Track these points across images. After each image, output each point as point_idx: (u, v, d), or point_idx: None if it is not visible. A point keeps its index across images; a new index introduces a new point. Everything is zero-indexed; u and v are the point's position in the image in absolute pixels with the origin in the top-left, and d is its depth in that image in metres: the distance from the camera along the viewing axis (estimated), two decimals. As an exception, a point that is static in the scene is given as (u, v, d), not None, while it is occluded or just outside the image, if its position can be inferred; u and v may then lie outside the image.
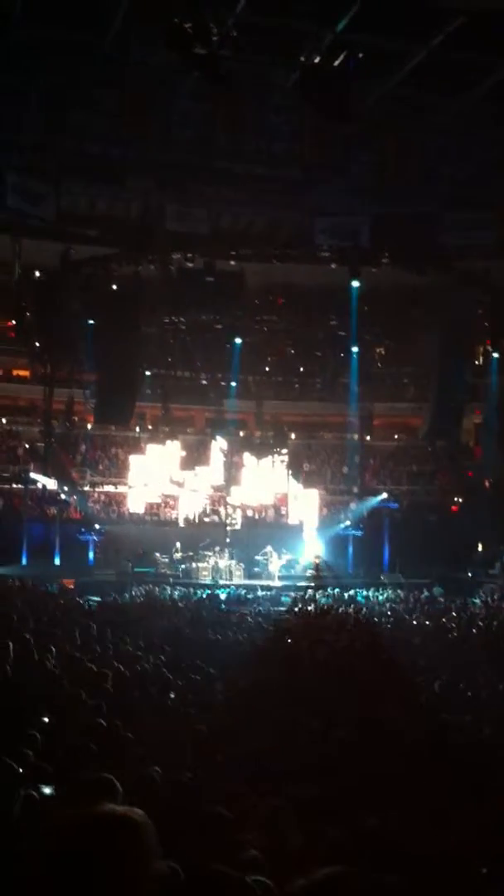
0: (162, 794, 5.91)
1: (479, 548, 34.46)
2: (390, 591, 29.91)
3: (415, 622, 22.81)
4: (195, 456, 36.83)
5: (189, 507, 35.56)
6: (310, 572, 32.67)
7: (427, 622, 22.67)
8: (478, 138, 25.68)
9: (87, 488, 36.50)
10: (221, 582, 31.16)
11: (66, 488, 34.30)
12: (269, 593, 29.36)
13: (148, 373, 37.21)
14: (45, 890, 1.84)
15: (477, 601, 27.96)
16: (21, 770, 5.19)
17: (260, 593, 29.12)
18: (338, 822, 5.37)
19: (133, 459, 36.34)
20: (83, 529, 32.77)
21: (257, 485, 36.09)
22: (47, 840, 1.90)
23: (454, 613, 24.22)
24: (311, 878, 1.95)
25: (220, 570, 32.25)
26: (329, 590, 29.49)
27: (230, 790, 6.13)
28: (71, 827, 1.90)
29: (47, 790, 5.36)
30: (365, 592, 29.63)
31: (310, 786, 6.27)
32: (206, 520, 35.65)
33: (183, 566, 32.44)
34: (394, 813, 5.65)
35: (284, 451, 37.07)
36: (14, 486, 34.57)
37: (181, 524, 35.09)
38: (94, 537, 32.68)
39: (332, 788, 6.31)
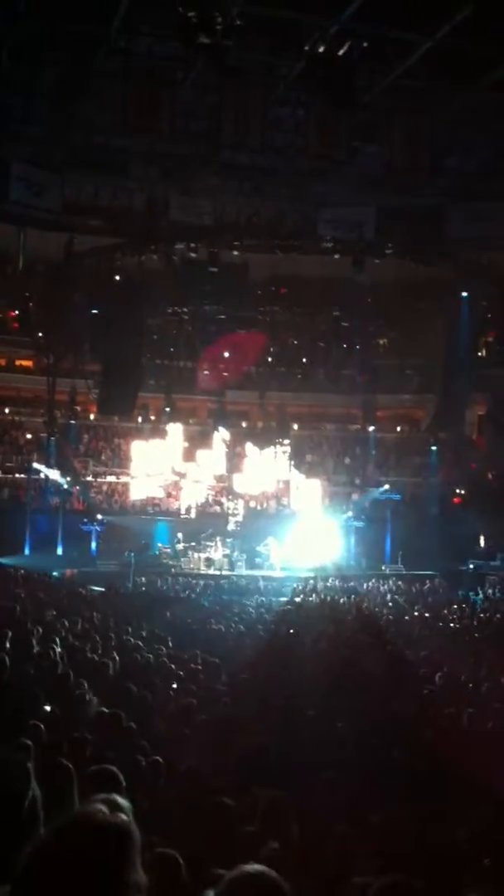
0: (165, 785, 5.93)
1: (481, 540, 34.46)
2: (392, 583, 29.94)
3: (416, 614, 22.83)
4: (197, 447, 36.84)
5: (191, 497, 35.58)
6: (312, 563, 32.72)
7: (428, 614, 22.69)
8: (484, 129, 25.55)
9: (89, 479, 36.54)
10: (223, 573, 31.21)
11: (69, 479, 34.33)
12: (271, 584, 29.40)
13: (151, 363, 37.17)
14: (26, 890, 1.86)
15: (479, 594, 27.97)
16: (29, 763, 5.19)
17: (262, 584, 29.17)
18: (342, 815, 5.39)
19: (136, 447, 36.29)
20: (86, 520, 32.83)
21: (259, 475, 36.11)
22: (32, 844, 1.91)
23: (455, 605, 24.25)
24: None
25: (221, 561, 32.30)
26: (331, 581, 29.53)
27: (233, 781, 6.15)
28: (53, 832, 1.91)
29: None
30: (367, 584, 29.67)
31: (313, 778, 6.28)
32: (209, 511, 35.69)
33: (185, 557, 32.49)
34: (398, 806, 5.67)
35: (287, 441, 37.09)
36: (17, 476, 34.62)
37: (183, 515, 35.12)
38: (97, 528, 32.73)
39: (335, 780, 6.32)
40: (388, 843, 4.91)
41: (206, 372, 39.10)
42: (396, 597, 26.90)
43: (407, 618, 21.81)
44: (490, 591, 28.66)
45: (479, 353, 37.71)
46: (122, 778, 4.87)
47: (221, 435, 36.73)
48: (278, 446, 36.54)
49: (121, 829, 1.92)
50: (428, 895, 2.71)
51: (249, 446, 36.41)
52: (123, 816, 1.96)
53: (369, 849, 4.80)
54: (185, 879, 4.05)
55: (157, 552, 32.78)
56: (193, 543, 32.87)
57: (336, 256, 32.60)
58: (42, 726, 7.01)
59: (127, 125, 22.26)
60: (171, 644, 14.17)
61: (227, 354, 38.26)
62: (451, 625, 20.65)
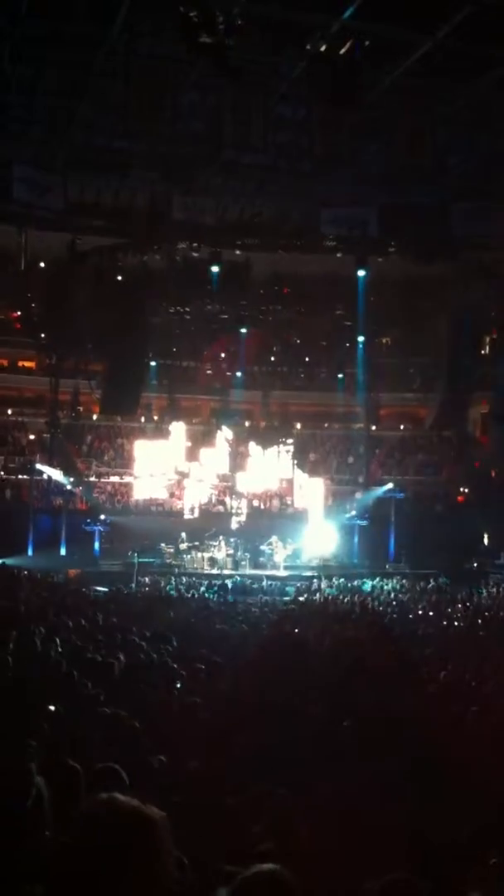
0: (169, 785, 5.93)
1: (485, 538, 34.45)
2: (396, 581, 29.94)
3: (420, 612, 22.83)
4: (200, 446, 36.85)
5: (195, 497, 35.59)
6: (317, 563, 32.76)
7: (432, 612, 22.69)
8: (486, 128, 25.52)
9: (92, 479, 36.56)
10: (226, 572, 31.21)
11: (72, 479, 34.35)
12: (274, 583, 29.41)
13: (154, 363, 37.18)
14: (67, 882, 1.85)
15: (483, 591, 27.97)
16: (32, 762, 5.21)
17: (265, 583, 29.18)
18: (347, 814, 5.39)
19: (139, 446, 36.28)
20: (89, 520, 32.85)
21: (262, 474, 36.12)
22: (73, 831, 1.90)
23: (460, 604, 24.25)
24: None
25: (224, 560, 32.32)
26: (334, 580, 29.54)
27: (237, 781, 6.15)
28: (95, 820, 1.90)
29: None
30: (371, 582, 29.66)
31: (317, 777, 6.28)
32: (212, 510, 35.70)
33: (188, 556, 32.51)
34: (402, 805, 5.67)
35: (290, 440, 37.09)
36: (20, 477, 34.64)
37: (187, 514, 35.12)
38: (100, 528, 32.75)
39: (339, 779, 6.32)
40: (392, 842, 4.91)
41: (209, 371, 39.16)
42: (400, 595, 26.90)
43: (411, 616, 21.82)
44: (494, 588, 28.65)
45: (482, 352, 37.68)
46: (125, 776, 4.88)
47: (224, 434, 36.74)
48: (281, 445, 36.55)
49: (157, 819, 1.93)
50: (431, 895, 2.72)
51: (252, 445, 36.41)
52: (154, 808, 1.97)
53: (373, 848, 4.80)
54: (191, 880, 4.05)
55: (161, 552, 32.79)
56: (197, 543, 32.88)
57: (339, 255, 32.59)
58: (46, 726, 7.02)
59: (129, 125, 22.28)
60: (174, 644, 14.17)
61: (229, 351, 38.27)
62: (456, 623, 20.64)
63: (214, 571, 31.34)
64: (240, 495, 35.79)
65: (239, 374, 39.18)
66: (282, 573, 31.66)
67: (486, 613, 21.88)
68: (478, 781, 6.57)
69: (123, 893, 1.81)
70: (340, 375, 39.39)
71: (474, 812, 5.85)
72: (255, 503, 36.33)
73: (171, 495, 35.95)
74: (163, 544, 32.96)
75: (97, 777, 4.92)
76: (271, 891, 2.03)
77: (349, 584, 28.74)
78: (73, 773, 5.47)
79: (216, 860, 3.88)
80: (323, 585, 28.33)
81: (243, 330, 37.65)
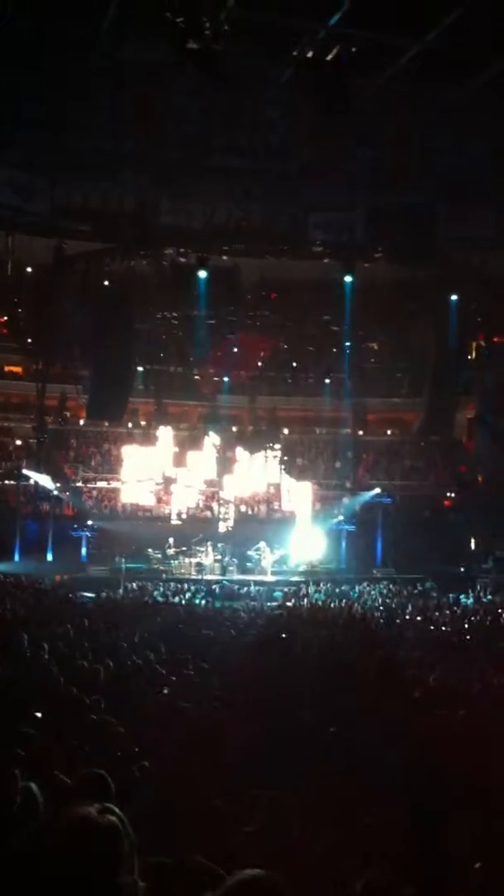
0: (157, 790, 5.89)
1: (472, 543, 34.51)
2: (383, 586, 29.94)
3: (407, 617, 22.83)
4: (188, 451, 36.79)
5: (182, 502, 35.52)
6: (304, 568, 32.75)
7: (420, 617, 22.70)
8: (473, 131, 25.67)
9: (79, 484, 36.45)
10: (214, 577, 31.16)
11: (59, 485, 34.24)
12: (262, 588, 29.37)
13: (141, 368, 37.13)
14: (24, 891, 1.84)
15: (469, 597, 28.00)
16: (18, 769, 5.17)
17: (253, 588, 29.14)
18: (336, 817, 5.37)
19: (126, 451, 36.17)
20: (76, 526, 32.73)
21: (250, 480, 36.09)
22: (29, 842, 1.90)
23: (447, 609, 24.27)
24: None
25: (212, 565, 32.27)
26: (322, 584, 29.52)
27: (225, 785, 6.12)
28: (52, 832, 1.90)
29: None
30: (358, 587, 29.66)
31: (306, 781, 6.26)
32: (200, 515, 35.64)
33: (176, 562, 32.44)
34: (391, 809, 5.65)
35: (277, 445, 37.09)
36: (7, 482, 34.50)
37: (174, 520, 35.04)
38: (88, 534, 32.64)
39: (328, 783, 6.31)
40: (382, 845, 4.89)
41: (196, 377, 39.13)
42: (388, 600, 26.90)
43: (398, 621, 21.81)
44: (481, 593, 28.69)
45: (469, 356, 37.78)
46: (111, 782, 4.85)
47: (212, 439, 36.70)
48: (269, 450, 36.52)
49: (111, 829, 1.92)
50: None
51: (240, 450, 36.38)
52: (112, 817, 1.95)
53: (363, 850, 4.78)
54: (180, 886, 4.01)
55: (148, 557, 32.70)
56: (184, 548, 32.81)
57: (326, 260, 32.66)
58: (32, 732, 6.97)
59: (117, 129, 22.31)
60: (162, 649, 14.12)
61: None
62: (443, 627, 20.65)
63: (202, 577, 31.27)
64: (227, 500, 35.74)
65: (226, 379, 39.15)
66: (269, 578, 31.62)
67: (473, 618, 21.89)
68: (465, 785, 6.56)
69: None
70: (328, 380, 39.41)
71: (462, 815, 5.83)
72: (243, 508, 36.30)
73: (159, 501, 35.85)
74: (150, 550, 32.87)
75: (83, 783, 4.88)
76: (257, 895, 2.01)
77: (337, 589, 28.71)
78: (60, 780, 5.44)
79: (207, 863, 3.85)
80: (310, 590, 28.30)
81: (231, 335, 37.64)
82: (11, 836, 4.08)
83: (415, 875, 4.34)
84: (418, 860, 4.60)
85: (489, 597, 27.88)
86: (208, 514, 35.76)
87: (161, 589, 27.72)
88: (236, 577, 31.62)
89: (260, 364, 40.86)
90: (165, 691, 10.38)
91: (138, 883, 1.93)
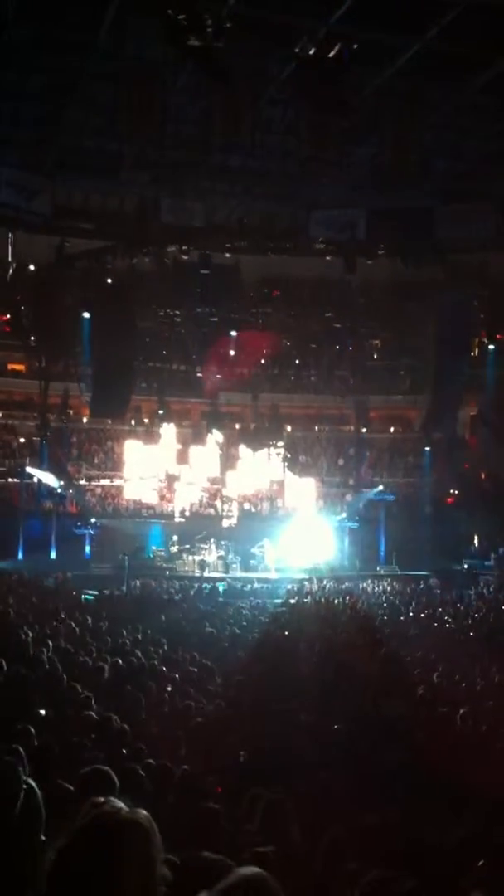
0: (160, 788, 5.92)
1: (475, 539, 34.52)
2: (386, 583, 29.96)
3: (411, 614, 22.85)
4: (191, 448, 36.81)
5: (185, 500, 35.55)
6: (306, 565, 32.76)
7: (423, 614, 22.72)
8: (475, 131, 25.63)
9: (82, 482, 36.50)
10: (217, 575, 31.20)
11: (62, 482, 34.27)
12: (265, 586, 29.39)
13: (143, 366, 37.15)
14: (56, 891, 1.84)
15: (472, 593, 28.01)
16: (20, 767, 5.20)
17: (256, 586, 29.16)
18: (337, 816, 5.40)
19: (129, 446, 36.15)
20: (79, 523, 32.76)
21: (253, 477, 36.12)
22: (59, 841, 1.90)
23: (450, 606, 24.28)
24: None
25: (215, 563, 32.31)
26: (325, 582, 29.53)
27: (228, 784, 6.15)
28: (81, 829, 1.90)
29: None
30: (361, 584, 29.68)
31: (308, 779, 6.29)
32: (203, 513, 35.68)
33: (179, 559, 32.47)
34: (393, 807, 5.68)
35: (280, 443, 37.09)
36: (10, 480, 34.55)
37: (177, 517, 35.08)
38: (91, 531, 32.67)
39: (330, 782, 6.33)
40: (383, 843, 4.92)
41: (199, 374, 39.12)
42: (391, 597, 26.92)
43: (402, 618, 21.84)
44: (484, 590, 28.70)
45: (471, 354, 37.77)
46: (115, 779, 4.87)
47: (215, 437, 36.71)
48: (272, 448, 36.54)
49: (145, 824, 1.93)
50: (422, 895, 2.72)
51: (243, 448, 36.40)
52: (143, 812, 1.97)
53: (364, 849, 4.81)
54: (183, 883, 4.04)
55: (151, 555, 32.74)
56: (187, 546, 32.84)
57: (328, 258, 32.64)
58: (37, 730, 7.00)
59: (117, 128, 22.27)
60: (165, 647, 14.16)
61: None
62: (446, 625, 20.67)
63: (206, 574, 31.30)
64: (230, 498, 35.77)
65: (229, 376, 39.17)
66: (272, 576, 31.64)
67: (476, 615, 21.91)
68: (468, 782, 6.58)
69: None
70: (330, 378, 39.39)
71: (464, 813, 5.86)
72: (246, 506, 36.32)
73: (162, 498, 35.89)
74: (153, 547, 32.91)
75: (87, 780, 4.91)
76: (253, 894, 2.02)
77: (340, 587, 28.73)
78: (64, 777, 5.47)
79: (216, 858, 3.88)
80: (314, 588, 28.32)
81: (233, 333, 37.64)
82: (14, 835, 4.11)
83: (415, 871, 4.36)
84: (418, 857, 4.62)
85: (492, 593, 27.89)
86: (211, 511, 35.79)
87: (164, 586, 27.76)
88: (239, 574, 31.65)
89: (262, 361, 40.88)
90: (169, 689, 10.42)
91: (168, 874, 1.95)
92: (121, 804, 1.97)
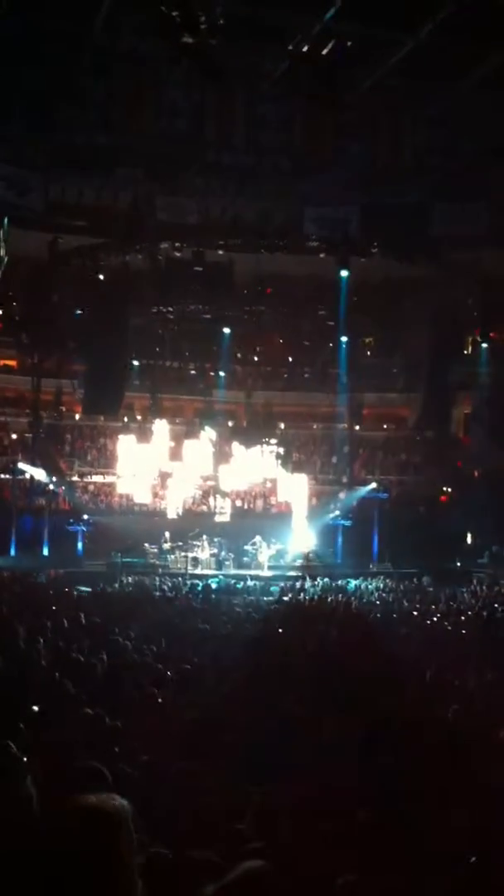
0: (154, 786, 5.91)
1: (469, 538, 34.57)
2: (380, 581, 29.97)
3: (404, 612, 22.85)
4: (184, 445, 36.77)
5: (178, 497, 35.53)
6: (300, 562, 32.76)
7: (416, 612, 22.72)
8: (468, 128, 25.65)
9: (75, 479, 36.45)
10: (210, 572, 31.19)
11: (54, 479, 34.22)
12: (258, 583, 29.39)
13: (136, 363, 37.10)
14: (33, 886, 1.84)
15: (465, 592, 28.04)
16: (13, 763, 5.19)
17: (249, 583, 29.15)
18: (329, 814, 5.39)
19: (122, 442, 36.07)
20: (72, 520, 32.71)
21: (246, 474, 36.11)
22: (31, 836, 1.89)
23: (443, 604, 24.30)
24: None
25: (208, 560, 32.30)
26: (318, 580, 29.54)
27: (221, 781, 6.13)
28: (54, 821, 1.90)
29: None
30: (354, 582, 29.68)
31: (300, 777, 6.28)
32: (196, 510, 35.66)
33: (172, 556, 32.44)
34: (385, 805, 5.67)
35: (273, 440, 37.08)
36: (2, 476, 34.49)
37: (170, 514, 35.05)
38: (83, 528, 32.63)
39: (322, 779, 6.32)
40: (375, 842, 4.91)
41: (192, 371, 39.10)
42: (384, 595, 26.92)
43: (395, 616, 21.84)
44: (477, 588, 28.73)
45: (465, 352, 37.84)
46: (108, 774, 4.86)
47: (208, 434, 36.69)
48: (265, 445, 36.51)
49: (118, 812, 1.92)
50: (412, 893, 2.72)
51: (236, 445, 36.38)
52: (116, 801, 1.96)
53: (356, 847, 4.80)
54: (179, 879, 4.03)
55: (144, 552, 32.71)
56: (180, 543, 32.81)
57: (321, 256, 32.63)
58: (30, 727, 6.98)
59: (111, 125, 22.28)
60: (158, 644, 14.13)
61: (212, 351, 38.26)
62: (440, 623, 20.67)
63: (198, 571, 31.28)
64: (223, 495, 35.76)
65: (222, 374, 39.15)
66: (266, 573, 31.64)
67: (469, 613, 21.93)
68: (462, 780, 6.58)
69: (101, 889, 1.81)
70: (323, 375, 39.38)
71: (456, 808, 5.86)
72: (239, 503, 36.32)
73: (155, 495, 35.85)
74: (146, 544, 32.88)
75: (79, 776, 4.89)
76: (259, 887, 2.03)
77: (333, 584, 28.73)
78: (56, 774, 5.44)
79: (207, 855, 3.87)
80: (307, 585, 28.32)
81: (226, 330, 37.61)
82: (8, 829, 4.10)
83: (405, 867, 4.36)
84: (409, 852, 4.62)
85: (485, 591, 27.93)
86: (204, 508, 35.77)
87: (157, 583, 27.72)
88: (233, 571, 31.64)
89: (255, 359, 40.84)
90: (162, 686, 10.40)
91: (141, 862, 1.94)
92: (99, 796, 1.96)
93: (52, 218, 29.18)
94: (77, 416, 38.06)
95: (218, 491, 35.82)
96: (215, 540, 33.23)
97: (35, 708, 8.06)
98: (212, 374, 39.10)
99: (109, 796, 1.97)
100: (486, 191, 29.50)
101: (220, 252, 32.25)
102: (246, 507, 36.49)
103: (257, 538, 33.00)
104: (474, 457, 37.61)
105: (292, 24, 20.04)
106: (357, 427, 39.46)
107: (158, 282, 33.59)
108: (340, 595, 25.89)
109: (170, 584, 27.43)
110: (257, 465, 36.10)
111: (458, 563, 32.88)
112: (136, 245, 30.85)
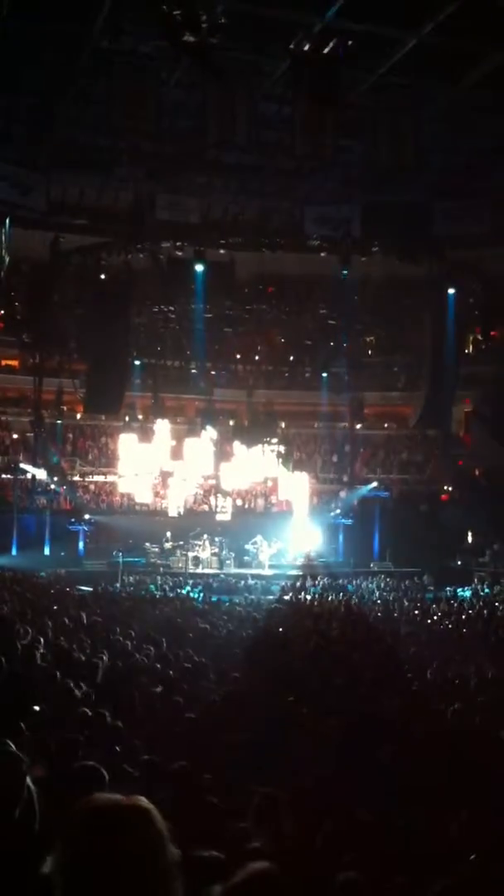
0: (155, 785, 5.92)
1: (469, 537, 34.56)
2: (381, 580, 29.99)
3: (405, 611, 22.86)
4: (185, 445, 36.76)
5: (179, 496, 35.53)
6: (301, 561, 32.78)
7: (417, 611, 22.74)
8: (470, 127, 25.63)
9: (76, 478, 36.46)
10: (211, 571, 31.21)
11: (55, 478, 34.23)
12: (259, 582, 29.41)
13: (137, 362, 37.09)
14: (72, 886, 1.80)
15: (466, 590, 28.06)
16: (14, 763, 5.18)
17: (250, 582, 29.18)
18: (332, 812, 5.40)
19: (123, 440, 36.05)
20: (73, 520, 32.73)
21: (247, 473, 36.11)
22: (70, 836, 1.85)
23: (444, 602, 24.32)
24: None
25: (209, 559, 32.31)
26: (319, 579, 29.56)
27: (223, 780, 6.15)
28: (80, 821, 1.85)
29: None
30: (355, 581, 29.71)
31: (303, 776, 6.29)
32: (197, 509, 35.66)
33: (173, 556, 32.46)
34: (386, 803, 5.68)
35: (275, 439, 37.07)
36: (4, 476, 34.50)
37: (171, 514, 35.06)
38: (85, 527, 32.64)
39: (324, 778, 6.33)
40: (377, 840, 4.92)
41: (193, 371, 39.10)
42: (385, 594, 26.94)
43: (395, 615, 21.85)
44: (478, 586, 28.75)
45: (466, 350, 37.81)
46: (105, 774, 4.87)
47: (209, 433, 36.68)
48: (266, 444, 36.50)
49: (145, 806, 1.89)
50: (414, 891, 2.73)
51: (237, 444, 36.37)
52: (141, 798, 1.93)
53: (357, 845, 4.81)
54: (187, 877, 4.03)
55: (145, 551, 32.72)
56: (181, 542, 32.82)
57: (322, 255, 32.62)
58: (31, 726, 6.99)
59: (112, 124, 22.22)
60: (159, 643, 14.14)
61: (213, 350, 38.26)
62: (441, 622, 20.68)
63: (199, 570, 31.29)
64: (224, 494, 35.76)
65: (223, 372, 39.14)
66: (267, 572, 31.66)
67: (470, 612, 21.94)
68: (462, 779, 6.59)
69: (132, 886, 1.78)
70: (325, 374, 39.40)
71: (456, 809, 5.87)
72: (240, 502, 36.33)
73: (156, 494, 35.86)
74: (147, 544, 32.89)
75: (79, 776, 4.90)
76: (266, 889, 2.03)
77: (334, 583, 28.75)
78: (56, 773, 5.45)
79: (213, 854, 3.88)
80: (308, 584, 28.34)
81: (228, 329, 37.61)
82: (13, 831, 4.10)
83: (406, 866, 4.37)
84: (410, 852, 4.63)
85: (486, 590, 27.95)
86: (205, 508, 35.78)
87: (158, 583, 27.75)
88: (234, 570, 31.67)
89: (257, 358, 40.85)
90: (163, 686, 10.41)
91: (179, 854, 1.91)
92: (116, 795, 1.94)
93: (54, 217, 29.18)
94: (78, 416, 38.07)
95: (219, 490, 35.82)
96: (216, 539, 33.26)
97: (36, 707, 8.06)
98: (213, 372, 39.11)
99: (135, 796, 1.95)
100: (487, 190, 29.49)
101: (222, 251, 32.25)
102: (247, 506, 36.50)
103: (258, 537, 33.02)
104: (475, 455, 37.60)
105: (293, 23, 20.02)
106: (358, 426, 39.45)
107: (159, 281, 33.59)
108: (341, 594, 25.91)
109: (171, 584, 27.48)
110: (258, 464, 36.08)
111: (459, 562, 32.89)
112: (138, 244, 30.84)
